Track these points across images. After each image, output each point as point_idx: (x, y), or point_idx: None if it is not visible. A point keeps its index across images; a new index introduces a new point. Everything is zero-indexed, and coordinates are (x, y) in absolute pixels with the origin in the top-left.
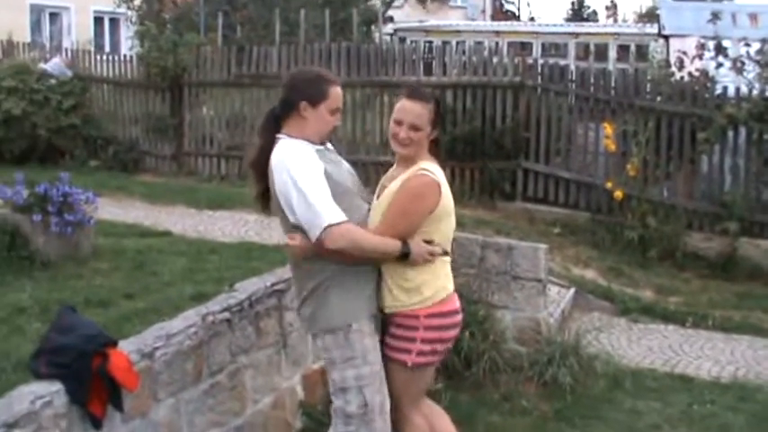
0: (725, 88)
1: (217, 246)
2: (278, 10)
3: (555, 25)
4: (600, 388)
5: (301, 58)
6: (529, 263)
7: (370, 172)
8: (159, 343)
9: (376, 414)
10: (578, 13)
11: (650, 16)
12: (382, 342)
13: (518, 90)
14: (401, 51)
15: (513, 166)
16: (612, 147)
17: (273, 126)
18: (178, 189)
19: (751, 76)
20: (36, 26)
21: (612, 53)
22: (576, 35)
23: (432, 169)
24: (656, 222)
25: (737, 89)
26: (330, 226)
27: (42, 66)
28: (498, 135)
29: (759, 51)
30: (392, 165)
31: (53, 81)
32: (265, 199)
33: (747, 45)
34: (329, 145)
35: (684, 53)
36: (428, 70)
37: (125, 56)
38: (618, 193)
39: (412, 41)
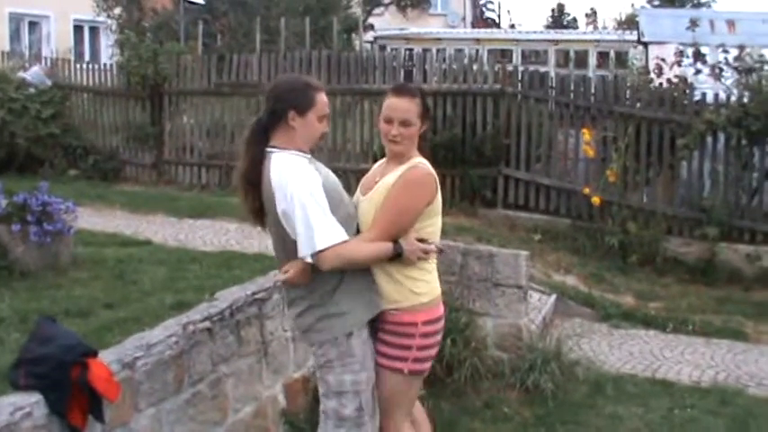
0: (703, 94)
1: (197, 255)
2: (258, 18)
3: (535, 32)
4: (581, 394)
5: (281, 67)
6: (510, 270)
7: (351, 180)
8: (140, 353)
9: (368, 417)
10: (558, 21)
11: (630, 23)
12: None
13: (498, 97)
14: (381, 59)
15: (493, 172)
16: (592, 153)
17: (262, 137)
18: (158, 198)
19: (729, 82)
20: (15, 35)
21: (592, 60)
22: (556, 42)
23: (426, 163)
24: (636, 228)
25: (716, 95)
26: (323, 250)
27: (21, 74)
28: (479, 142)
29: (737, 58)
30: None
31: (32, 90)
32: (260, 213)
33: (725, 51)
34: None
35: (663, 60)
36: (408, 78)
37: (105, 64)
38: (595, 199)
39: (392, 49)
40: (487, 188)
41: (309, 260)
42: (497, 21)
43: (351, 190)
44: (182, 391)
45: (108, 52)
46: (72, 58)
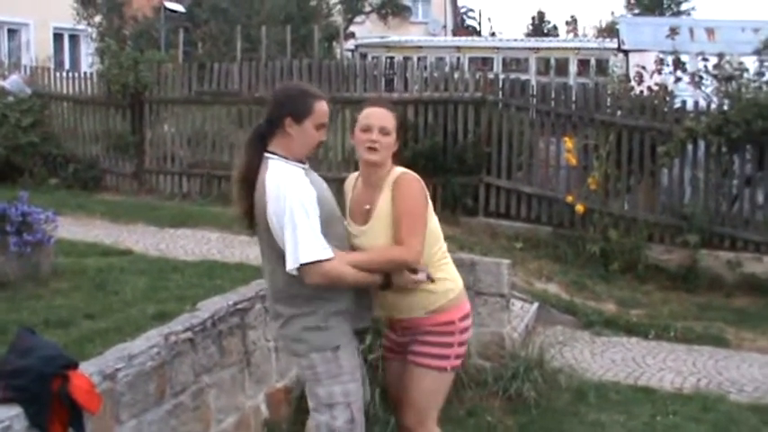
0: (684, 102)
1: (179, 264)
2: (239, 26)
3: (516, 40)
4: (564, 401)
5: (262, 75)
6: (492, 278)
7: (332, 188)
8: (121, 364)
9: (359, 428)
10: (539, 29)
11: (610, 31)
12: (408, 352)
13: (479, 105)
14: (362, 67)
15: (475, 181)
16: (573, 161)
17: (260, 143)
18: (139, 207)
19: (709, 90)
20: None
21: (573, 68)
22: (537, 50)
23: (409, 171)
24: (617, 235)
25: (696, 103)
26: (307, 264)
27: (0, 83)
28: (460, 150)
29: (716, 66)
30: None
31: (11, 98)
32: (251, 216)
33: (705, 59)
34: None
35: (644, 68)
36: (389, 86)
37: (85, 73)
38: (579, 207)
39: (373, 57)
40: (469, 196)
41: (294, 273)
42: (478, 29)
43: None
44: (163, 402)
45: (88, 60)
46: (52, 67)
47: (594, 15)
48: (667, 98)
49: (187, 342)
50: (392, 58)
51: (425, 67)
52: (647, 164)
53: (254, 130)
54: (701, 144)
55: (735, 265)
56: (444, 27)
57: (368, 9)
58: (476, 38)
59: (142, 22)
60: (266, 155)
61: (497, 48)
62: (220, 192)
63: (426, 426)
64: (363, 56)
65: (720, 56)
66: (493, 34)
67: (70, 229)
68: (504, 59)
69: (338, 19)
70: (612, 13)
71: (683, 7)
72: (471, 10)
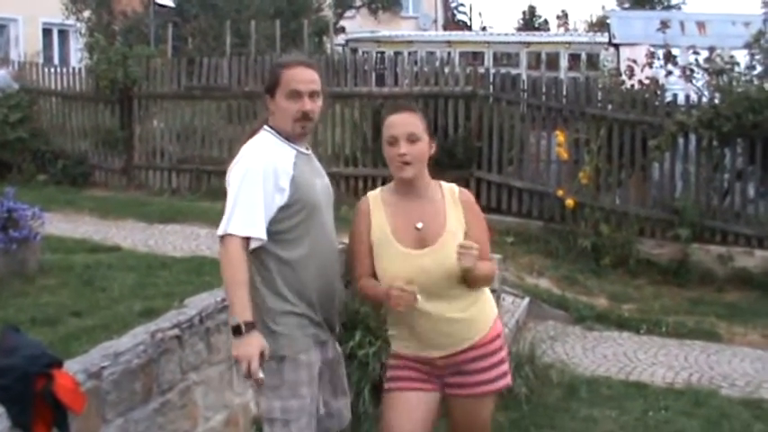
0: (674, 96)
1: (167, 260)
2: (228, 21)
3: (506, 35)
4: (555, 397)
5: (252, 70)
6: None
7: None
8: (107, 362)
9: None
10: (530, 23)
11: (601, 25)
12: (455, 384)
13: (470, 100)
14: (353, 62)
15: (465, 175)
16: (565, 155)
17: (262, 124)
18: (128, 203)
19: (700, 83)
20: None
21: (564, 62)
22: (528, 44)
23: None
24: (608, 230)
25: (687, 96)
26: (228, 235)
27: None
28: (450, 145)
29: (707, 59)
30: (344, 176)
31: None
32: None
33: (696, 53)
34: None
35: (634, 61)
36: (380, 81)
37: (73, 68)
38: (569, 202)
39: (364, 52)
40: None
41: (219, 235)
42: (469, 23)
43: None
44: (150, 400)
45: (77, 56)
46: (40, 62)
47: (585, 9)
48: (658, 92)
49: (174, 339)
50: (383, 52)
51: (416, 62)
52: (639, 158)
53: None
54: (692, 138)
55: (726, 260)
56: (435, 22)
57: (358, 4)
58: (466, 32)
59: (131, 17)
60: (263, 128)
61: (488, 42)
62: (210, 187)
63: None
64: (354, 50)
65: (711, 49)
66: (484, 29)
67: (58, 225)
68: (495, 54)
69: (328, 14)
70: (603, 7)
71: (674, 1)
72: (462, 4)
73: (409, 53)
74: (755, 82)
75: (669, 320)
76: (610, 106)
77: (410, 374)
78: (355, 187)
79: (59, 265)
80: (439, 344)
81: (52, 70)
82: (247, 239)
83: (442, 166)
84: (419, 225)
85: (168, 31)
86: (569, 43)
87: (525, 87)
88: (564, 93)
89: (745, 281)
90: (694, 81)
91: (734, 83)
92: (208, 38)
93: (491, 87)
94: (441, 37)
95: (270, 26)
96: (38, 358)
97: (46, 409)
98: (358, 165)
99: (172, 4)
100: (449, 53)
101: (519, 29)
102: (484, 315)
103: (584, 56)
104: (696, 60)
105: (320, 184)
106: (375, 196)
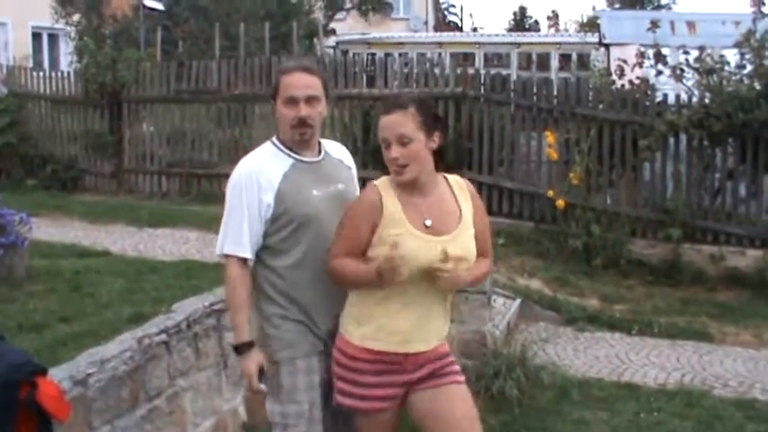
0: (665, 96)
1: (157, 264)
2: (217, 24)
3: (497, 35)
4: (547, 399)
5: (241, 73)
6: None
7: None
8: (93, 369)
9: None
10: (520, 24)
11: (591, 26)
12: (424, 382)
13: (460, 101)
14: (343, 64)
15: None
16: (555, 156)
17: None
18: (118, 207)
19: (690, 83)
20: None
21: (554, 62)
22: (519, 45)
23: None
24: (599, 230)
25: (677, 96)
26: (225, 255)
27: None
28: (440, 146)
29: (697, 59)
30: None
31: None
32: None
33: (686, 53)
34: (333, 153)
35: (625, 61)
36: (371, 83)
37: (62, 72)
38: (560, 203)
39: (354, 54)
40: None
41: (217, 254)
42: (460, 24)
43: None
44: (138, 406)
45: (67, 60)
46: (30, 66)
47: (576, 10)
48: (648, 92)
49: (162, 345)
50: (373, 54)
51: (406, 64)
52: (629, 158)
53: None
54: (683, 138)
55: (717, 259)
56: (426, 23)
57: (349, 6)
58: (457, 33)
59: (121, 20)
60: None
61: (479, 43)
62: (200, 191)
63: None
64: (344, 52)
65: (701, 49)
66: (474, 30)
67: (47, 230)
68: (485, 55)
69: (319, 16)
70: (594, 7)
71: (664, 1)
72: (453, 6)
73: (400, 55)
74: (745, 81)
75: (661, 321)
76: (600, 106)
77: (380, 381)
78: None
79: (47, 270)
80: (417, 337)
81: (41, 74)
82: (245, 258)
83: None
84: (428, 222)
85: (157, 34)
86: (560, 44)
87: (515, 88)
88: (554, 93)
89: (737, 281)
90: (684, 81)
91: (724, 82)
92: (198, 41)
93: (481, 88)
94: (431, 38)
95: (260, 29)
96: (21, 366)
97: (30, 417)
98: None
99: (162, 8)
100: (439, 54)
101: (510, 29)
102: (444, 322)
103: (574, 56)
104: (686, 60)
105: (323, 193)
106: (386, 186)
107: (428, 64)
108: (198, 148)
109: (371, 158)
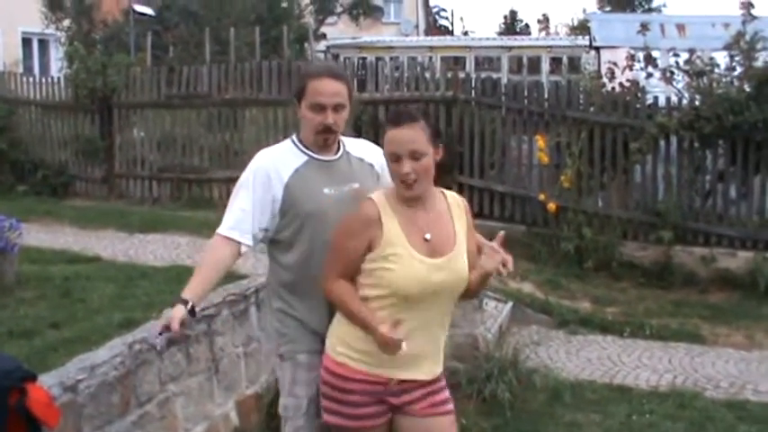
0: (655, 98)
1: (147, 270)
2: (208, 29)
3: (488, 39)
4: (539, 402)
5: (232, 77)
6: None
7: None
8: (83, 375)
9: None
10: (511, 27)
11: (582, 29)
12: (412, 409)
13: (451, 104)
14: None
15: (447, 180)
16: (545, 159)
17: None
18: (109, 212)
19: (680, 85)
20: None
21: (545, 66)
22: (509, 49)
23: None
24: (591, 233)
25: (668, 99)
26: (221, 236)
27: None
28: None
29: (687, 61)
30: None
31: None
32: None
33: (676, 55)
34: (354, 152)
35: (615, 64)
36: (361, 87)
37: (52, 78)
38: (551, 206)
39: (345, 58)
40: None
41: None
42: (451, 28)
43: None
44: (128, 412)
45: (58, 65)
46: (20, 72)
47: (566, 13)
48: (639, 94)
49: (152, 350)
50: (364, 58)
51: (396, 68)
52: (620, 161)
53: None
54: (674, 140)
55: (709, 261)
56: (417, 27)
57: (340, 10)
58: (448, 37)
59: (111, 25)
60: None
61: (470, 47)
62: (191, 196)
63: None
64: (335, 57)
65: (691, 51)
66: (465, 33)
67: (37, 236)
68: (476, 58)
69: (309, 20)
70: (584, 10)
71: (654, 3)
72: (443, 9)
73: (391, 59)
74: (735, 83)
75: (653, 323)
76: (591, 109)
77: (366, 400)
78: None
79: (38, 276)
80: (408, 365)
81: (31, 80)
82: (234, 241)
83: None
84: (427, 236)
85: (147, 39)
86: (550, 47)
87: (506, 91)
88: (545, 96)
89: (728, 282)
90: (675, 83)
91: (714, 84)
92: (189, 46)
93: (472, 92)
94: (422, 42)
95: (250, 33)
96: (10, 373)
97: (20, 424)
98: None
99: (152, 13)
100: (430, 58)
101: (500, 33)
102: (443, 353)
103: (565, 59)
104: (676, 62)
105: (335, 192)
106: (383, 202)
107: (419, 68)
108: (189, 153)
109: None
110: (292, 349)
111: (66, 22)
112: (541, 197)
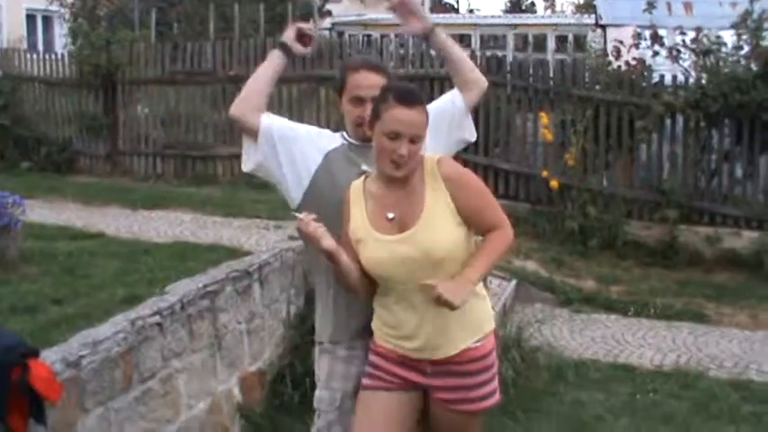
0: (661, 77)
1: (151, 246)
2: (212, 5)
3: (493, 17)
4: (543, 380)
5: (236, 54)
6: None
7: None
8: (85, 351)
9: None
10: (517, 5)
11: (588, 7)
12: (440, 397)
13: None
14: (338, 45)
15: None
16: (550, 137)
17: None
18: (113, 189)
19: (687, 64)
20: None
21: (551, 44)
22: (515, 26)
23: None
24: (596, 212)
25: (674, 77)
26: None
27: None
28: None
29: (694, 40)
30: None
31: None
32: None
33: (683, 33)
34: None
35: (621, 42)
36: None
37: (56, 54)
38: (553, 183)
39: (350, 35)
40: None
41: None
42: (456, 5)
43: None
44: (131, 388)
45: (62, 42)
46: (24, 48)
47: None
48: (645, 73)
49: (155, 326)
50: (369, 35)
51: (401, 45)
52: (625, 139)
53: None
54: (680, 119)
55: (714, 241)
56: (422, 4)
57: None
58: (453, 15)
59: (116, 2)
60: None
61: (475, 24)
62: (195, 172)
63: None
64: (340, 34)
65: (698, 30)
66: (471, 11)
67: (41, 212)
68: (481, 36)
69: None
70: None
71: None
72: None
73: (396, 36)
74: (742, 62)
75: (657, 302)
76: (597, 87)
77: (392, 369)
78: None
79: (41, 252)
80: (430, 344)
81: (35, 56)
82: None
83: None
84: (389, 215)
85: (151, 15)
86: (556, 25)
87: (511, 69)
88: (550, 74)
89: (733, 262)
90: (681, 62)
91: (721, 63)
92: (193, 22)
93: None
94: None
95: (255, 10)
96: (13, 348)
97: (22, 399)
98: None
99: None
100: None
101: (506, 11)
102: (478, 315)
103: (570, 37)
104: (683, 41)
105: (344, 173)
106: (357, 186)
107: (424, 45)
108: (193, 129)
109: None
110: (333, 340)
111: None
112: (544, 174)
